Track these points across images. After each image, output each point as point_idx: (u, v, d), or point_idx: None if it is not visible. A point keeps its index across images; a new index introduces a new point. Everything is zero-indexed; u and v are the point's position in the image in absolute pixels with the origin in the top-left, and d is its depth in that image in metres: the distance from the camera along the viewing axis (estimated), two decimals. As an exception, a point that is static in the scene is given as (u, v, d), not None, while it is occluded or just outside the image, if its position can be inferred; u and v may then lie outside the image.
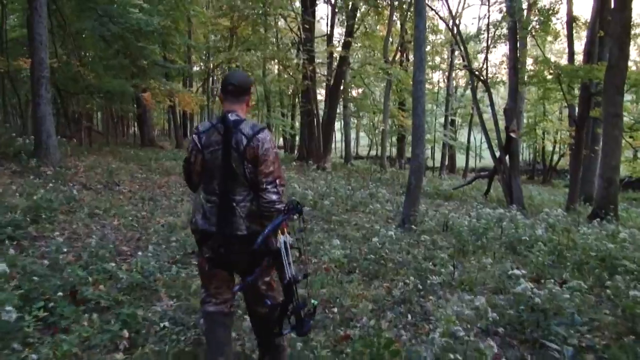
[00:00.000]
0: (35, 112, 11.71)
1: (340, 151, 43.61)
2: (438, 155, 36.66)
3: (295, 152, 31.76)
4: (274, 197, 3.09)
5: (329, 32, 26.12)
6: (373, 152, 38.26)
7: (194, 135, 3.26)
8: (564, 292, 4.49)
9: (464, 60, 17.88)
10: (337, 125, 36.72)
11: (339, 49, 23.45)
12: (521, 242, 7.58)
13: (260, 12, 24.12)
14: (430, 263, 6.31)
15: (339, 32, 29.80)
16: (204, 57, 31.77)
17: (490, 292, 5.53)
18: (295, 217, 3.18)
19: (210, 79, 33.08)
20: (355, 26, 24.95)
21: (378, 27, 29.51)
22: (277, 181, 3.12)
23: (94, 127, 31.47)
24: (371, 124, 41.14)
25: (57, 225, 7.32)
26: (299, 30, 23.54)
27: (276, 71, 34.74)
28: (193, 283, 5.16)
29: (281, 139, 43.80)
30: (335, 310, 4.81)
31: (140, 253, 6.10)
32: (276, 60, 29.98)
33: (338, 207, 10.89)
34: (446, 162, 35.99)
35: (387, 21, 26.42)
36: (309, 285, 4.73)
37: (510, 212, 10.56)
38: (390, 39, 28.09)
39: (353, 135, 58.09)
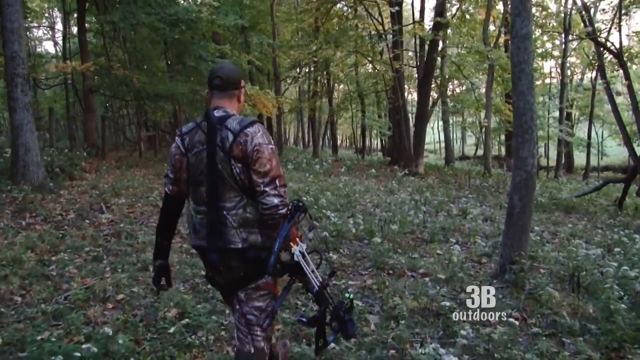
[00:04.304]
0: (12, 120, 9.49)
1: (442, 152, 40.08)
2: (552, 154, 31.82)
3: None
4: (276, 200, 2.52)
5: (418, 17, 23.06)
6: (480, 152, 34.19)
7: (176, 138, 2.76)
8: None
9: (586, 26, 13.64)
10: (440, 123, 33.38)
11: (429, 32, 19.95)
12: None
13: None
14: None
15: (430, 16, 26.50)
16: (292, 57, 29.58)
17: None
18: (301, 217, 2.54)
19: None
20: (450, 12, 21.65)
21: (476, 10, 25.62)
22: (277, 181, 2.56)
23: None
24: (475, 121, 37.04)
25: None
26: (379, 16, 20.75)
27: (369, 69, 31.95)
28: None
29: (379, 143, 41.18)
30: None
31: None
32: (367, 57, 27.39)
33: (408, 236, 7.68)
34: (562, 161, 30.98)
35: (486, 2, 22.58)
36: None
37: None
38: (492, 25, 24.40)
39: (459, 134, 54.05)
